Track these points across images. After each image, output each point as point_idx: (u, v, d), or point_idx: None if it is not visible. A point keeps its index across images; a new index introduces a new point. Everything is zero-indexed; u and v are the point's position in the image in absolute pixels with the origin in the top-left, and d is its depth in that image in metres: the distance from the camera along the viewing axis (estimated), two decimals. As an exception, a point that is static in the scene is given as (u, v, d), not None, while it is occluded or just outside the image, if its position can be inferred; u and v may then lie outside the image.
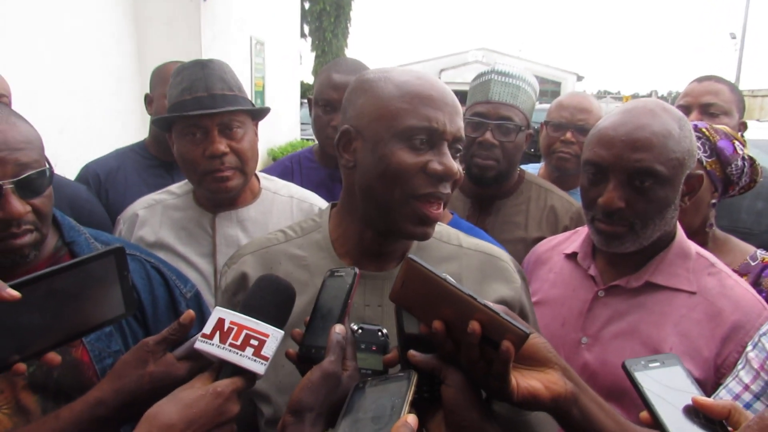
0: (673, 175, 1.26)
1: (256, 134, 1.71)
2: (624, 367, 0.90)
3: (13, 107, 1.49)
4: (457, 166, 1.01)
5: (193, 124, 1.57)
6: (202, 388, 0.83)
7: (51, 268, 0.87)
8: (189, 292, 1.37)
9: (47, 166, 1.13)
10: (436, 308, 0.80)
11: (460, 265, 1.15)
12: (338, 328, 0.87)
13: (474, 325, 0.76)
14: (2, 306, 0.81)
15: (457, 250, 1.17)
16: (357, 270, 0.95)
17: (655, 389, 0.86)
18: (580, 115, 2.31)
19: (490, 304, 0.77)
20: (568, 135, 2.30)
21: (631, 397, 1.29)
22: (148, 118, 2.46)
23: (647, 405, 0.86)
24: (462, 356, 0.80)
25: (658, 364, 0.90)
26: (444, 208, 1.05)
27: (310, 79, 21.05)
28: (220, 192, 1.62)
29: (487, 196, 2.02)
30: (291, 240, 1.20)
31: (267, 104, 8.01)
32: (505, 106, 1.89)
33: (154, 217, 1.72)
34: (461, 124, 1.04)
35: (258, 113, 1.71)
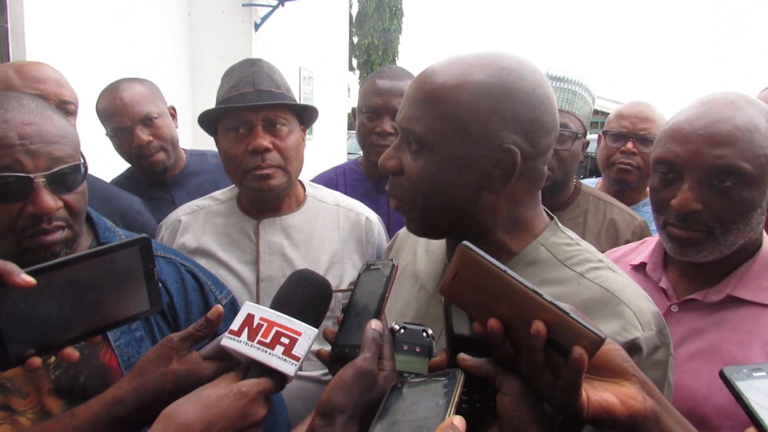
0: (760, 174, 1.11)
1: (303, 138, 1.67)
2: (723, 375, 0.75)
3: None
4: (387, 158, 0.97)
5: (238, 119, 1.55)
6: (226, 388, 0.76)
7: (71, 255, 0.82)
8: (225, 299, 1.31)
9: (82, 161, 1.10)
10: (493, 305, 0.69)
11: (562, 292, 0.92)
12: (374, 324, 0.78)
13: (538, 326, 0.65)
14: (18, 294, 0.76)
15: (574, 278, 0.93)
16: (395, 261, 0.86)
17: (763, 401, 0.72)
18: (642, 124, 2.15)
19: (560, 303, 0.66)
20: (629, 145, 2.15)
21: (711, 426, 1.13)
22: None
23: (755, 419, 0.71)
24: (522, 362, 0.69)
25: (763, 373, 0.76)
26: None
27: (357, 111, 21.37)
28: (263, 190, 1.57)
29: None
30: None
31: (315, 133, 8.13)
32: (561, 113, 1.77)
33: (197, 223, 1.68)
34: (404, 114, 0.95)
35: (305, 115, 1.67)
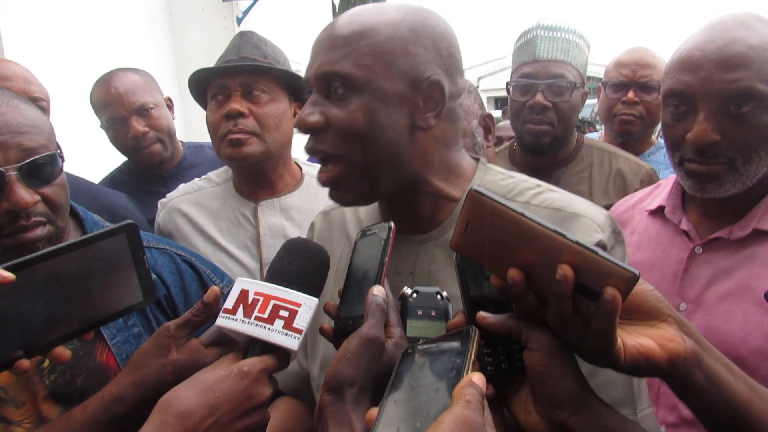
0: None
1: (294, 114, 1.60)
2: None
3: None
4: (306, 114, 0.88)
5: (218, 85, 1.52)
6: (226, 369, 0.70)
7: (52, 247, 0.75)
8: (225, 288, 1.25)
9: (58, 152, 1.03)
10: (511, 254, 0.63)
11: None
12: (376, 290, 0.72)
13: (565, 270, 0.59)
14: None
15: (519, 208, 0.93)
16: (392, 223, 0.80)
17: None
18: (642, 71, 2.06)
19: (585, 242, 0.59)
20: (630, 94, 2.06)
21: (748, 368, 1.07)
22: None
23: None
24: (549, 312, 0.63)
25: None
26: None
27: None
28: (235, 158, 1.51)
29: (544, 166, 1.82)
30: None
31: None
32: (556, 63, 1.71)
33: (194, 205, 1.64)
34: (321, 61, 0.88)
35: (294, 87, 1.59)
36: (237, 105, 1.48)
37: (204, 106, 1.62)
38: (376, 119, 0.85)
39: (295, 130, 1.60)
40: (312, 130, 0.88)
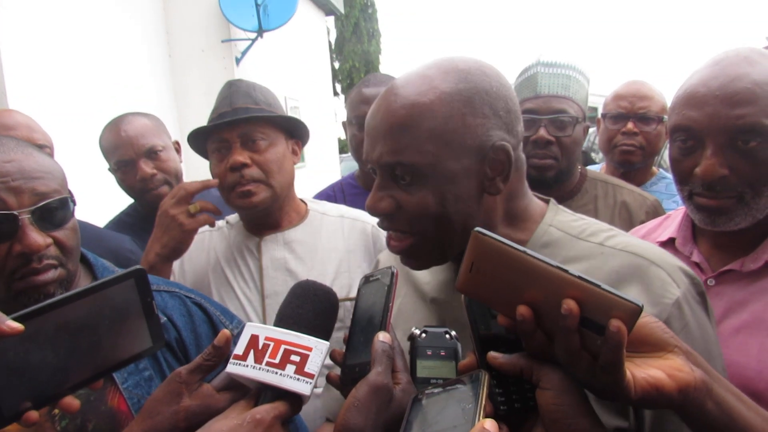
0: None
1: (294, 152, 1.64)
2: None
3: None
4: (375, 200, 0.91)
5: (218, 139, 1.55)
6: (238, 417, 0.69)
7: (61, 296, 0.74)
8: (235, 329, 1.24)
9: (69, 196, 1.04)
10: (516, 292, 0.63)
11: (589, 267, 0.87)
12: (382, 336, 0.72)
13: (569, 304, 0.59)
14: (6, 343, 0.69)
15: (594, 249, 0.90)
16: (394, 269, 0.80)
17: None
18: (640, 102, 2.10)
19: (587, 276, 0.60)
20: (630, 125, 2.09)
21: (767, 402, 1.05)
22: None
23: None
24: (557, 348, 0.63)
25: None
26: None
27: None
28: (246, 208, 1.55)
29: None
30: None
31: (307, 161, 8.11)
32: (557, 99, 1.73)
33: (206, 242, 1.68)
34: (382, 150, 0.88)
35: (291, 127, 1.63)
36: (239, 157, 1.51)
37: (205, 157, 1.65)
38: (447, 200, 0.86)
39: (296, 166, 1.63)
40: (383, 214, 0.90)
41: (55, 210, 1.00)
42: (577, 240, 0.92)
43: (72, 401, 0.75)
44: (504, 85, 0.91)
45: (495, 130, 0.87)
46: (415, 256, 0.92)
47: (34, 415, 0.72)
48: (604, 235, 0.92)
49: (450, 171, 0.85)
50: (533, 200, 0.98)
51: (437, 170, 0.85)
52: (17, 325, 0.68)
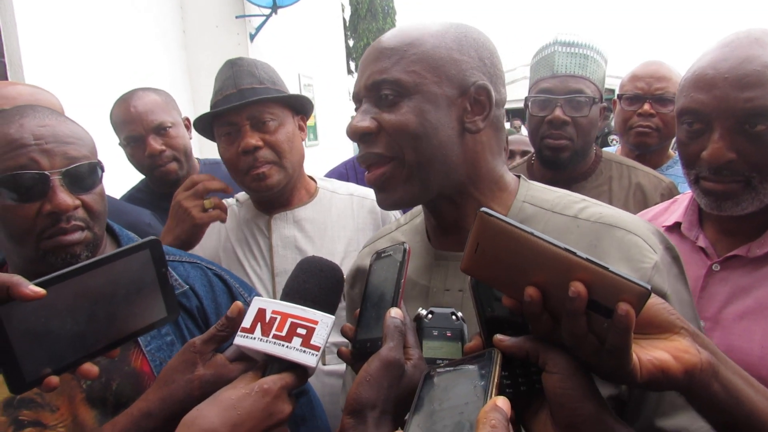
0: None
1: (300, 128, 1.64)
2: None
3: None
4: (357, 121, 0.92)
5: (226, 123, 1.54)
6: (246, 387, 0.72)
7: (80, 264, 0.77)
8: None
9: (99, 163, 1.09)
10: (522, 274, 0.63)
11: (567, 242, 0.91)
12: (394, 312, 0.74)
13: (577, 287, 0.59)
14: (28, 308, 0.72)
15: (569, 223, 0.91)
16: (407, 245, 0.81)
17: None
18: (657, 83, 2.06)
19: (595, 259, 0.60)
20: (646, 107, 2.06)
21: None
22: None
23: None
24: (564, 331, 0.63)
25: None
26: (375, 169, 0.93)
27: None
28: (261, 190, 1.56)
29: (563, 180, 1.82)
30: (400, 227, 1.13)
31: (320, 139, 8.10)
32: (574, 78, 1.72)
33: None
34: (371, 71, 0.92)
35: (297, 104, 1.63)
36: (252, 140, 1.51)
37: (212, 139, 1.65)
38: (428, 120, 0.89)
39: (305, 144, 1.64)
40: (364, 136, 0.91)
41: (84, 174, 1.05)
42: (552, 214, 0.94)
43: (91, 368, 0.77)
44: (493, 46, 0.97)
45: (478, 72, 0.92)
46: (390, 186, 0.92)
47: (54, 380, 0.74)
48: (577, 207, 0.93)
49: (433, 93, 0.89)
50: (508, 172, 1.01)
51: (421, 90, 0.89)
52: (40, 290, 0.70)
